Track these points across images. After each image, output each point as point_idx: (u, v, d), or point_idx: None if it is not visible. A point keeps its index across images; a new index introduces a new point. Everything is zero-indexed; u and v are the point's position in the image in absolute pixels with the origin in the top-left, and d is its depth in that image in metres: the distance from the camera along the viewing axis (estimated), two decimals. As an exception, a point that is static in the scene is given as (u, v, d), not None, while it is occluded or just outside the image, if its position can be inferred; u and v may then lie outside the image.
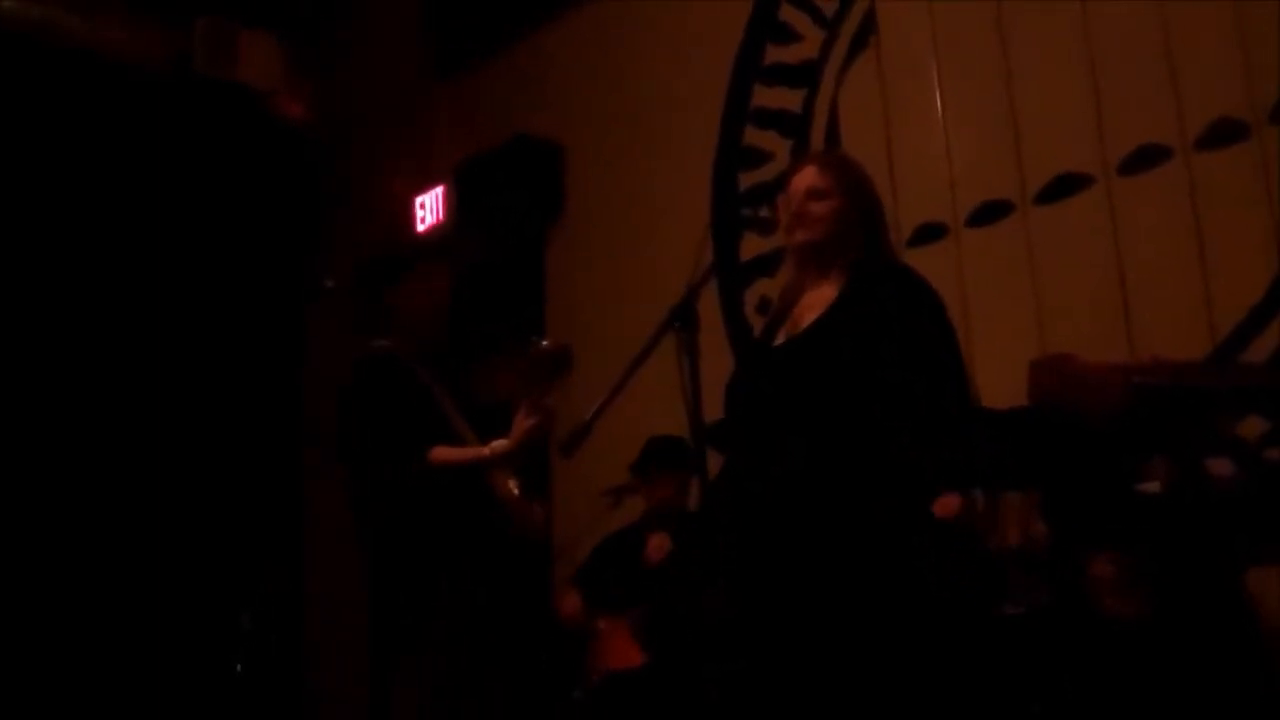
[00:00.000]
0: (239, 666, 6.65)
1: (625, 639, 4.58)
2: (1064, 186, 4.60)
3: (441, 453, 3.85)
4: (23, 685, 6.09)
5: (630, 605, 4.65)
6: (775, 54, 5.62)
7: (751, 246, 5.45)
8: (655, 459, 4.86)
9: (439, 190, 6.79)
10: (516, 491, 3.94)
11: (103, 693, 6.37)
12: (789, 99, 5.53)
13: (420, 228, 6.84)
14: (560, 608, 4.93)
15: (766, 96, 5.63)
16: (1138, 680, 3.32)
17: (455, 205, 6.69)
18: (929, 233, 4.93)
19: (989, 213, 4.80)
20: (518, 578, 4.03)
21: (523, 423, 3.83)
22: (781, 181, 3.28)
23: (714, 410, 3.14)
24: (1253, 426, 3.76)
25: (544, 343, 3.98)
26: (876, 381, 2.86)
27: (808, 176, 3.16)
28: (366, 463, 3.98)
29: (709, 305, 5.16)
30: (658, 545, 4.66)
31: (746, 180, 5.59)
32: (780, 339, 3.11)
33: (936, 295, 3.01)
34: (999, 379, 4.08)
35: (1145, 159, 4.41)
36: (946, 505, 2.88)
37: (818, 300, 3.08)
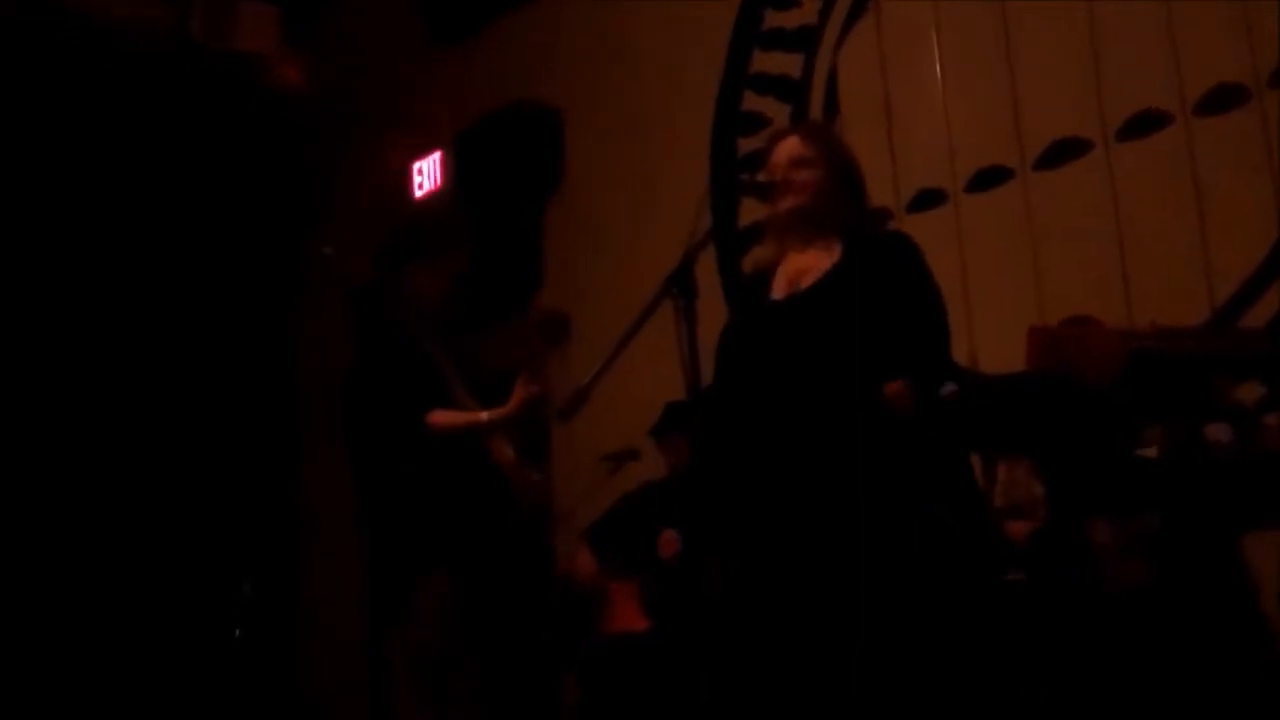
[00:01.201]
0: (238, 633, 6.68)
1: (634, 603, 4.59)
2: (1063, 152, 4.59)
3: (440, 417, 3.86)
4: (27, 649, 6.13)
5: (644, 567, 4.66)
6: (774, 19, 5.60)
7: (749, 212, 5.44)
8: (672, 422, 4.87)
9: (436, 156, 6.77)
10: (513, 457, 3.95)
11: (107, 660, 6.41)
12: (788, 64, 5.51)
13: (418, 194, 6.84)
14: (575, 569, 4.93)
15: (765, 62, 5.61)
16: (1135, 644, 3.34)
17: (454, 171, 6.68)
18: (928, 198, 4.93)
19: (988, 178, 4.79)
20: (520, 544, 4.03)
21: (522, 391, 3.83)
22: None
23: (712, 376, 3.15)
24: (1252, 391, 3.77)
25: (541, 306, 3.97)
26: (884, 342, 2.89)
27: (791, 146, 3.19)
28: (371, 434, 3.99)
29: (707, 271, 5.16)
30: (669, 540, 4.67)
31: (745, 146, 5.58)
32: (779, 297, 3.13)
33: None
34: (998, 344, 4.11)
35: (1144, 125, 4.40)
36: (895, 390, 2.88)
37: (812, 263, 3.09)
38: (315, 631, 7.25)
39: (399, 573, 3.93)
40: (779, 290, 3.13)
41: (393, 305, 4.09)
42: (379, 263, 4.20)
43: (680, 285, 3.09)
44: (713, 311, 3.25)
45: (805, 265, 3.09)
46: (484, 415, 3.89)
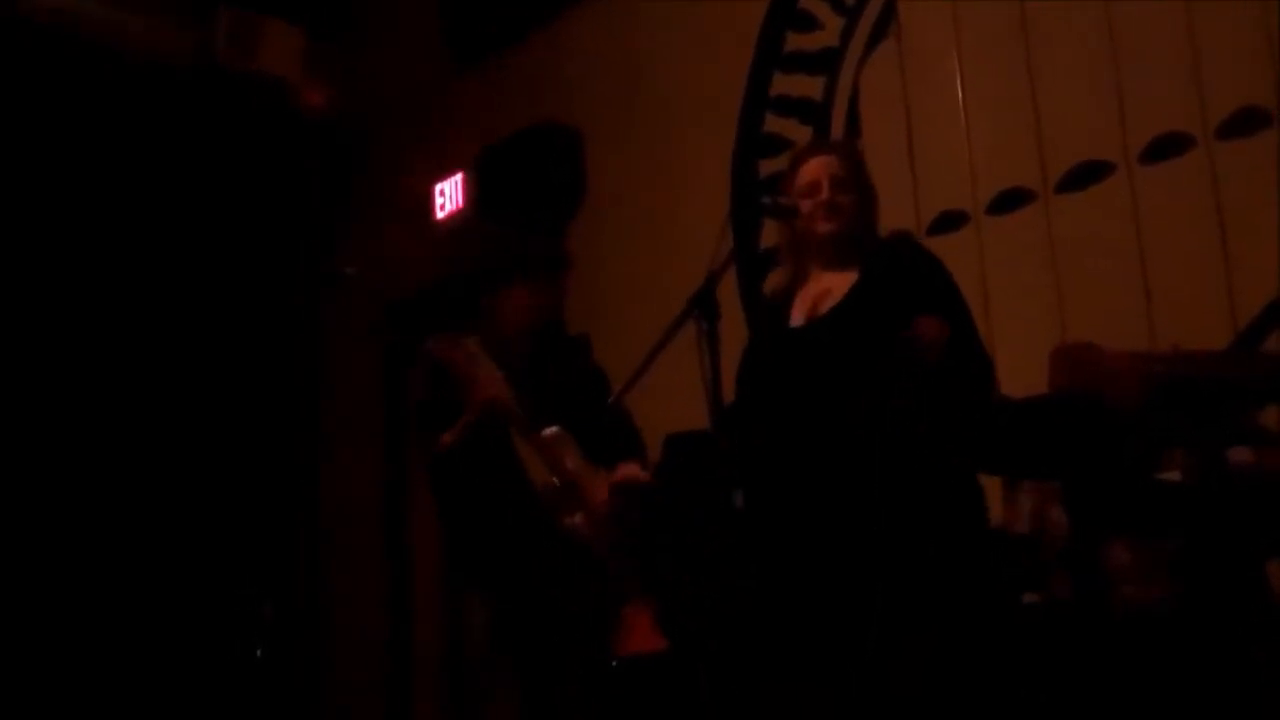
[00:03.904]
0: (259, 653, 6.68)
1: (647, 623, 4.55)
2: (1085, 174, 4.59)
3: (445, 439, 3.87)
4: (43, 668, 6.14)
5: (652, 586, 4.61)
6: (795, 41, 5.61)
7: (771, 235, 5.43)
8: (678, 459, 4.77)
9: (458, 177, 6.79)
10: (555, 481, 3.88)
11: (128, 679, 6.42)
12: (809, 87, 5.52)
13: (440, 215, 6.86)
14: None
15: (786, 84, 5.61)
16: (1155, 670, 3.31)
17: (475, 193, 6.69)
18: (949, 221, 4.92)
19: (1010, 201, 4.78)
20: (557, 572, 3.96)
21: (471, 408, 3.79)
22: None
23: (733, 398, 3.15)
24: (1274, 416, 3.75)
25: (429, 345, 3.89)
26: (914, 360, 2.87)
27: (832, 166, 3.14)
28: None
29: (729, 293, 5.15)
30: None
31: (766, 168, 5.58)
32: (799, 323, 3.12)
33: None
34: (1019, 367, 4.09)
35: (1167, 148, 4.39)
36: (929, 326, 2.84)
37: (833, 287, 3.08)
38: (333, 632, 7.27)
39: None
40: (799, 315, 3.12)
41: (483, 324, 4.06)
42: (476, 279, 4.16)
43: (702, 307, 3.09)
44: (735, 333, 3.25)
45: (825, 289, 3.08)
46: (445, 437, 3.87)
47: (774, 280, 3.33)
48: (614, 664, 4.19)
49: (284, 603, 6.97)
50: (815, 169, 3.16)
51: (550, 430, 3.90)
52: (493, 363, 3.92)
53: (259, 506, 7.21)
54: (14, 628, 6.11)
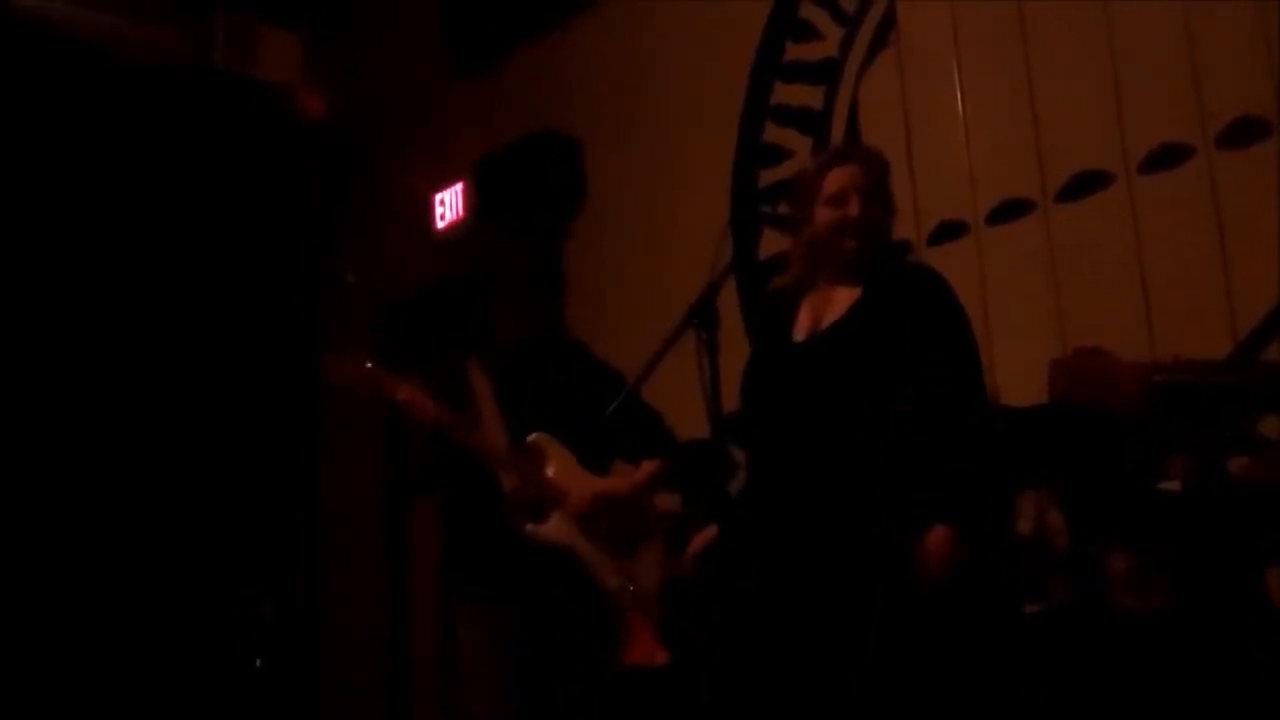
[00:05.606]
0: (259, 661, 6.69)
1: (650, 633, 4.55)
2: (1085, 184, 4.59)
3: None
4: (40, 672, 6.14)
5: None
6: (795, 51, 5.62)
7: (770, 244, 5.44)
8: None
9: (458, 187, 6.79)
10: (528, 489, 3.89)
11: (128, 678, 6.43)
12: (809, 96, 5.53)
13: (440, 224, 6.86)
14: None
15: (786, 94, 5.62)
16: (1154, 674, 3.33)
17: (475, 202, 6.69)
18: (949, 230, 4.93)
19: (1009, 210, 4.79)
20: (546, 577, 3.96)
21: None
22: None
23: (734, 406, 3.15)
24: (1274, 425, 3.76)
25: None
26: (910, 376, 2.87)
27: (859, 177, 3.09)
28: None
29: (729, 303, 5.16)
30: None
31: (766, 178, 5.59)
32: (802, 336, 3.12)
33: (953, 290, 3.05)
34: (1019, 377, 4.10)
35: (1167, 157, 4.40)
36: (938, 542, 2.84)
37: (837, 300, 3.08)
38: (333, 632, 7.28)
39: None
40: (802, 328, 3.12)
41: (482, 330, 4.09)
42: (474, 281, 4.18)
43: (702, 316, 3.09)
44: (735, 342, 3.25)
45: (830, 301, 3.08)
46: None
47: (779, 282, 3.31)
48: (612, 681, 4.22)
49: (284, 603, 6.97)
50: (842, 179, 3.08)
51: (533, 436, 3.93)
52: (411, 380, 3.95)
53: (259, 507, 7.21)
54: (15, 628, 6.11)
